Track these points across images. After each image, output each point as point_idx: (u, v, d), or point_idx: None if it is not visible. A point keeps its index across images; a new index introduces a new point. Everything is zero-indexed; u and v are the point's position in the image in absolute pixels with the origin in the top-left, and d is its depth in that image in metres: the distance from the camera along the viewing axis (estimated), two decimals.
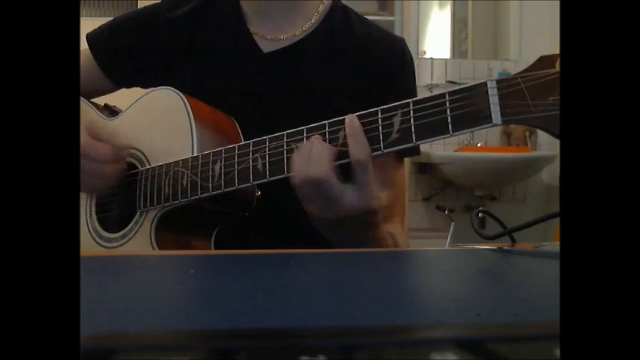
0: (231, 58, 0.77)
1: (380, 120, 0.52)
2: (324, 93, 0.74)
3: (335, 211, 0.54)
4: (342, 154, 0.53)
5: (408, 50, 0.80)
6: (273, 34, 0.77)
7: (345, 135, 0.53)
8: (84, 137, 0.64)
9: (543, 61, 0.46)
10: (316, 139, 0.54)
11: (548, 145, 2.43)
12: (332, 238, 0.60)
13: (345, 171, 0.54)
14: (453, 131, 0.49)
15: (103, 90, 0.87)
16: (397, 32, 2.44)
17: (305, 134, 0.55)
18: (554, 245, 0.55)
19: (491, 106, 0.47)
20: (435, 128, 0.50)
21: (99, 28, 0.85)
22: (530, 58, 0.47)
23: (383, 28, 0.81)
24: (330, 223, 0.56)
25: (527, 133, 2.42)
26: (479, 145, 2.48)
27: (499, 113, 0.47)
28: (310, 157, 0.52)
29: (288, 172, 0.56)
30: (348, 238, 0.58)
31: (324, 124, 0.55)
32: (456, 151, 2.44)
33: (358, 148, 0.52)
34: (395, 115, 0.52)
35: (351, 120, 0.53)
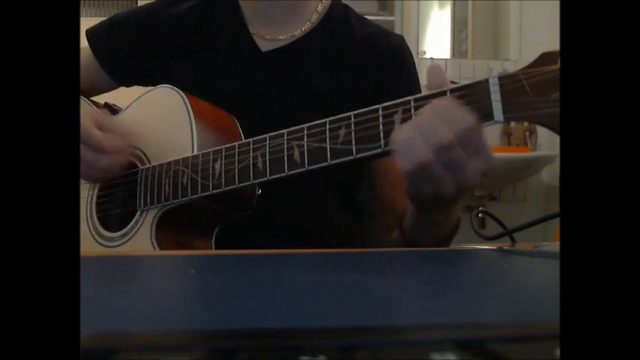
0: (230, 56, 0.77)
1: (381, 117, 0.52)
2: (323, 92, 0.74)
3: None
4: (344, 151, 0.53)
5: (408, 49, 0.80)
6: (272, 35, 0.77)
7: (345, 132, 0.53)
8: (87, 125, 0.62)
9: (545, 58, 0.46)
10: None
11: (548, 145, 2.43)
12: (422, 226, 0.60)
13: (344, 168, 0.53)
14: None
15: (103, 88, 0.87)
16: (397, 32, 2.44)
17: (305, 132, 0.55)
18: (554, 245, 0.55)
19: (493, 104, 0.47)
20: None
21: (98, 25, 0.84)
22: (530, 58, 0.47)
23: (383, 28, 0.81)
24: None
25: (527, 133, 2.42)
26: None
27: (501, 110, 0.47)
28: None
29: (288, 171, 0.56)
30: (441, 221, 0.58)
31: (325, 121, 0.55)
32: None
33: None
34: (396, 112, 0.51)
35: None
